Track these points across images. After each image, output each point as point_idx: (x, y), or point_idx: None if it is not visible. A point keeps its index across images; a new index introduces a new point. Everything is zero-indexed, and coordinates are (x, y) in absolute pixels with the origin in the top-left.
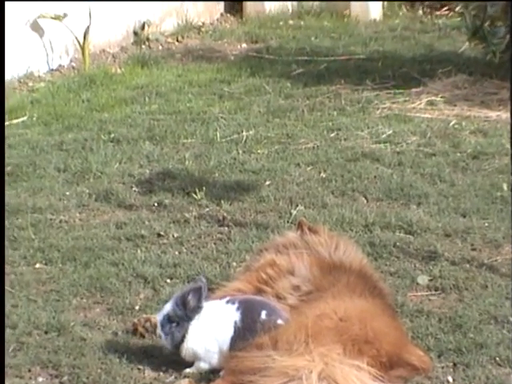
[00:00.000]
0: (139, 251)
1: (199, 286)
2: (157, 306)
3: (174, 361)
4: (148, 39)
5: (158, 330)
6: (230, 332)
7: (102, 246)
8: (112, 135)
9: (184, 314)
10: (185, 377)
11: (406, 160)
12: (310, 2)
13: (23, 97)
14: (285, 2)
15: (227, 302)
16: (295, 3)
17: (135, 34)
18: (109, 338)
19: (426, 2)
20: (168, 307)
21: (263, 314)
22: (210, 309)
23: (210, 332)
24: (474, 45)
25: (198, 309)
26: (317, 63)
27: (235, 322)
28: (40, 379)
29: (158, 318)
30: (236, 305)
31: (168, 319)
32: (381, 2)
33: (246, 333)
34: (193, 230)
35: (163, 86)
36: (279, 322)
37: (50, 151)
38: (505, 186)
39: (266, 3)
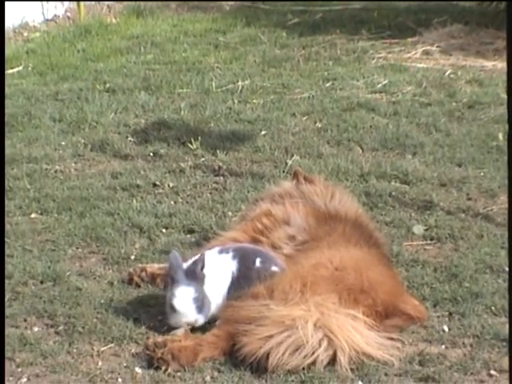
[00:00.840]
0: (135, 201)
1: (202, 256)
2: (152, 255)
3: None
4: None
5: (194, 316)
6: (228, 281)
7: (98, 195)
8: (107, 85)
9: (201, 287)
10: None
11: (401, 110)
12: None
13: (18, 47)
14: None
15: (221, 251)
16: None
17: None
18: (104, 287)
19: None
20: (188, 291)
21: (258, 262)
22: (209, 262)
23: (212, 284)
24: None
25: (204, 275)
26: (312, 13)
27: (232, 272)
28: (36, 329)
29: (183, 307)
30: (231, 253)
31: (197, 300)
32: None
33: (242, 281)
34: (188, 179)
35: (158, 36)
36: (273, 268)
37: (46, 101)
38: (500, 136)
39: None
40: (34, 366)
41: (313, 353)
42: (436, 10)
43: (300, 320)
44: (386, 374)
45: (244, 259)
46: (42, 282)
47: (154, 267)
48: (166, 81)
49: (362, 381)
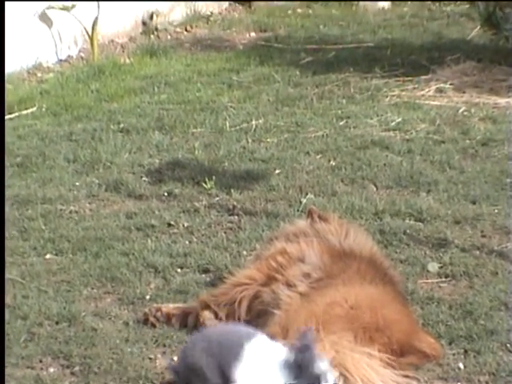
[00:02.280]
0: (149, 241)
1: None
2: (167, 295)
3: None
4: (157, 29)
5: None
6: None
7: (113, 236)
8: (121, 125)
9: None
10: None
11: (415, 147)
12: None
13: (32, 88)
14: None
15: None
16: None
17: (144, 24)
18: (120, 327)
19: None
20: None
21: None
22: None
23: None
24: (485, 31)
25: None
26: (325, 51)
27: None
28: (51, 370)
29: None
30: None
31: None
32: None
33: None
34: (203, 219)
35: (172, 75)
36: None
37: (60, 142)
38: None
39: None
40: None
41: None
42: (449, 47)
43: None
44: None
45: None
46: (57, 323)
47: (169, 307)
48: (179, 120)
49: None
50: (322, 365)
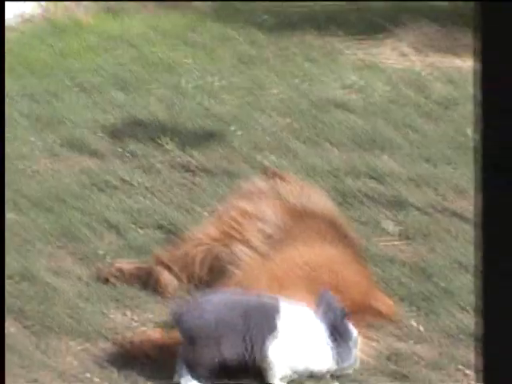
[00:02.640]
0: (108, 199)
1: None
2: (125, 252)
3: (140, 306)
4: None
5: None
6: None
7: (71, 194)
8: (81, 83)
9: None
10: (150, 322)
11: (376, 109)
12: None
13: None
14: None
15: None
16: None
17: None
18: (78, 285)
19: None
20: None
21: None
22: None
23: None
24: None
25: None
26: (287, 13)
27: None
28: (12, 329)
29: None
30: None
31: None
32: None
33: None
34: (161, 177)
35: (134, 35)
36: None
37: (19, 100)
38: (468, 132)
39: None
40: (12, 366)
41: None
42: (411, 9)
43: None
44: (361, 374)
45: None
46: (17, 283)
47: (126, 264)
48: (139, 79)
49: (338, 381)
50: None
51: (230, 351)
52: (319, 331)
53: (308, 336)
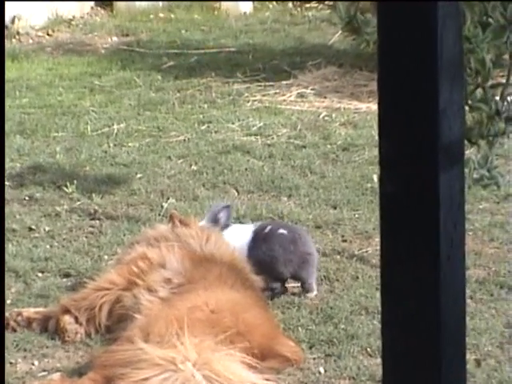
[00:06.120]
0: (10, 245)
1: (228, 205)
2: (28, 299)
3: (46, 354)
4: (18, 33)
5: None
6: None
7: None
8: None
9: None
10: (57, 371)
11: (276, 152)
12: None
13: None
14: None
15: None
16: None
17: (5, 27)
18: None
19: None
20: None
21: (267, 228)
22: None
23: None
24: (346, 36)
25: (227, 226)
26: (187, 56)
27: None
28: None
29: None
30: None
31: None
32: None
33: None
34: (64, 223)
35: (34, 79)
36: (280, 231)
37: None
38: (375, 178)
39: None
40: None
41: None
42: (310, 52)
43: (178, 360)
44: None
45: (258, 228)
46: None
47: (29, 311)
48: (41, 124)
49: None
50: None
51: None
52: None
53: None
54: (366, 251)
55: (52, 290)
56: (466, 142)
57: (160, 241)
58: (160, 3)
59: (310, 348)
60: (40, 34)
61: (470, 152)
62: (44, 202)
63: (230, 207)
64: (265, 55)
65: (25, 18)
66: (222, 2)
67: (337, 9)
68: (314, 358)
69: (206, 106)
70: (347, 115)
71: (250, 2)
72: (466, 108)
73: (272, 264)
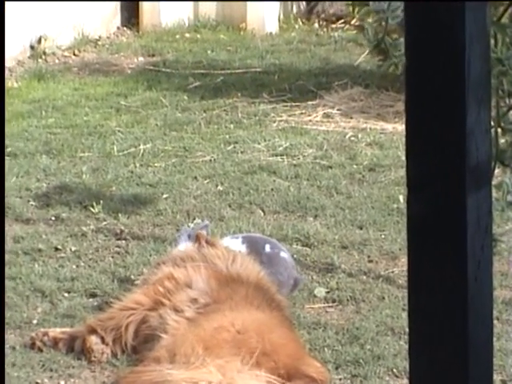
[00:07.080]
0: (36, 265)
1: (206, 224)
2: (54, 319)
3: (73, 374)
4: (45, 53)
5: None
6: None
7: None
8: (9, 149)
9: None
10: None
11: (302, 172)
12: (207, 15)
13: None
14: (181, 16)
15: (231, 238)
16: (192, 16)
17: (32, 48)
18: (7, 352)
19: (322, 15)
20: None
21: (267, 247)
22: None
23: None
24: (373, 57)
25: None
26: (213, 76)
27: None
28: None
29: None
30: (240, 239)
31: None
32: (277, 15)
33: None
34: (90, 243)
35: (60, 99)
36: (282, 254)
37: None
38: (401, 198)
39: (162, 16)
40: None
41: None
42: (336, 72)
43: (203, 382)
44: None
45: (253, 244)
46: None
47: (56, 331)
48: (67, 145)
49: None
50: None
51: None
52: None
53: None
54: (392, 272)
55: (78, 310)
56: (499, 164)
57: (186, 261)
58: (186, 21)
59: (336, 369)
60: (66, 54)
61: (503, 175)
62: (70, 222)
63: (208, 226)
64: (291, 75)
65: (51, 38)
66: (248, 21)
67: (365, 31)
68: (340, 379)
69: (232, 126)
70: (373, 135)
71: (276, 22)
72: (499, 130)
73: None
